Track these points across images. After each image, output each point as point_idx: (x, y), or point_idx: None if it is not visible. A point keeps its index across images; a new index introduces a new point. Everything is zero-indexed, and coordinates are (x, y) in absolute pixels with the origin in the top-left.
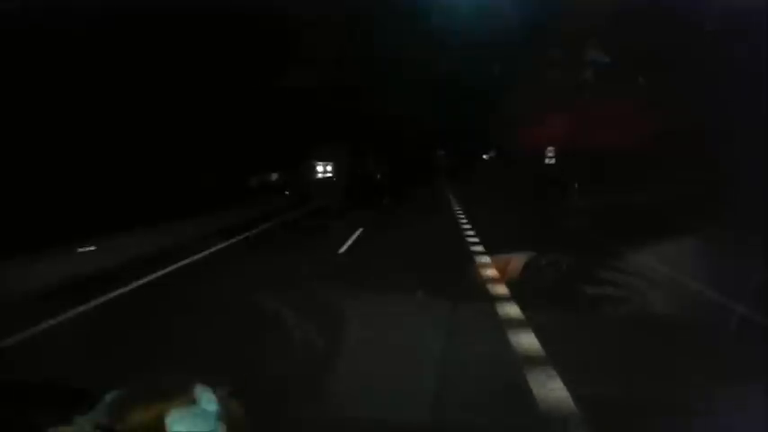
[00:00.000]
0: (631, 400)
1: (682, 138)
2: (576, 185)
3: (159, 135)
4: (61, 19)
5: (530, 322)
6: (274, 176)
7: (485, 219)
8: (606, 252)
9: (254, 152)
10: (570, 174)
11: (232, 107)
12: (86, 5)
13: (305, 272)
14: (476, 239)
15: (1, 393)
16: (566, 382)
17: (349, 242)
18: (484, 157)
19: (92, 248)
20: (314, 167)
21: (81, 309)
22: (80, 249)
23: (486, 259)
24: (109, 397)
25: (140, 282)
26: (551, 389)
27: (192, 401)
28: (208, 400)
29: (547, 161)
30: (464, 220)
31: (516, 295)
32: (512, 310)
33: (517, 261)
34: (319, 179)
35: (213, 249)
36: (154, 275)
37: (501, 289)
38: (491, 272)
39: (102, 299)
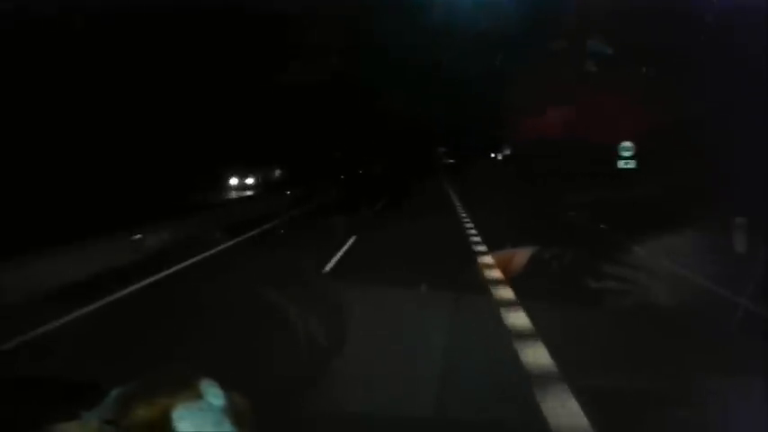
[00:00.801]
0: (635, 392)
1: (682, 130)
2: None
3: (153, 136)
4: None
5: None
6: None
7: (486, 217)
8: (608, 245)
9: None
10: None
11: (229, 104)
12: (84, 2)
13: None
14: (479, 239)
15: (5, 390)
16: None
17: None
18: (492, 155)
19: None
20: None
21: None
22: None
23: (487, 259)
24: (114, 392)
25: None
26: None
27: (198, 396)
28: (214, 395)
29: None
30: (464, 214)
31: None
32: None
33: (520, 256)
34: None
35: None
36: None
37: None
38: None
39: None
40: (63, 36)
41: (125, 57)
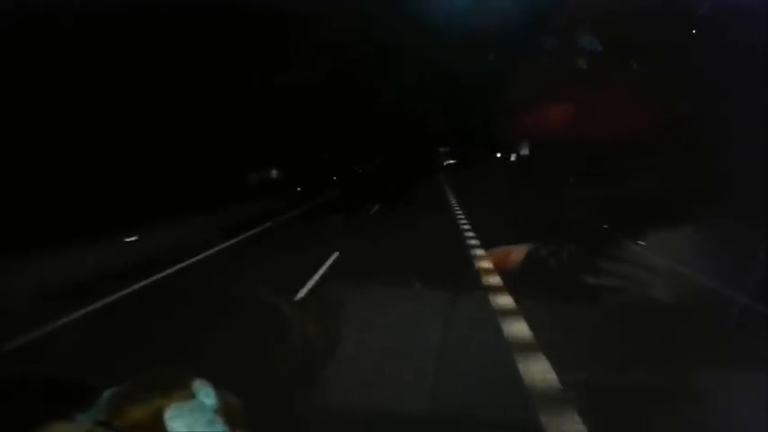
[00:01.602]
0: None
1: (675, 126)
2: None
3: (159, 132)
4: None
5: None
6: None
7: (485, 216)
8: (606, 241)
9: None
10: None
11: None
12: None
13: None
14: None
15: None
16: None
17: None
18: (498, 155)
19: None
20: None
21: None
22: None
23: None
24: (107, 393)
25: None
26: None
27: (191, 396)
28: (206, 395)
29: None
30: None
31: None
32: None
33: (517, 253)
34: None
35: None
36: None
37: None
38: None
39: None
40: (59, 34)
41: (119, 56)
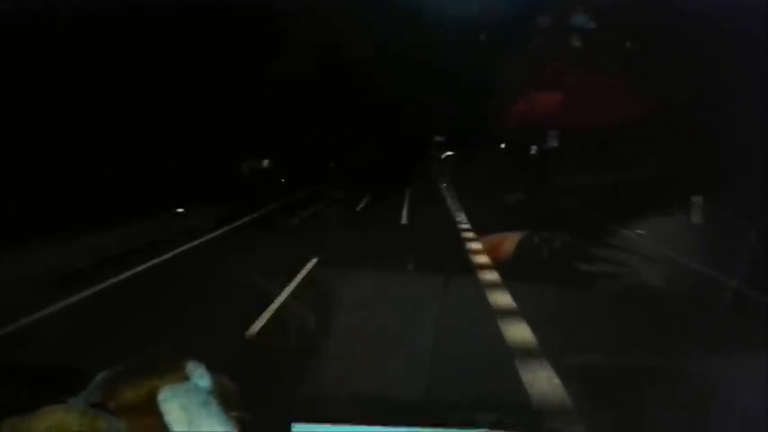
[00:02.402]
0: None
1: (669, 112)
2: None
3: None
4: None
5: None
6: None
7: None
8: (597, 229)
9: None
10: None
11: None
12: None
13: None
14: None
15: None
16: None
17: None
18: (502, 146)
19: None
20: None
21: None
22: None
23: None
24: (100, 376)
25: None
26: None
27: (184, 378)
28: (200, 377)
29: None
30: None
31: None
32: None
33: (510, 241)
34: None
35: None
36: None
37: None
38: None
39: None
40: (55, 32)
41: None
